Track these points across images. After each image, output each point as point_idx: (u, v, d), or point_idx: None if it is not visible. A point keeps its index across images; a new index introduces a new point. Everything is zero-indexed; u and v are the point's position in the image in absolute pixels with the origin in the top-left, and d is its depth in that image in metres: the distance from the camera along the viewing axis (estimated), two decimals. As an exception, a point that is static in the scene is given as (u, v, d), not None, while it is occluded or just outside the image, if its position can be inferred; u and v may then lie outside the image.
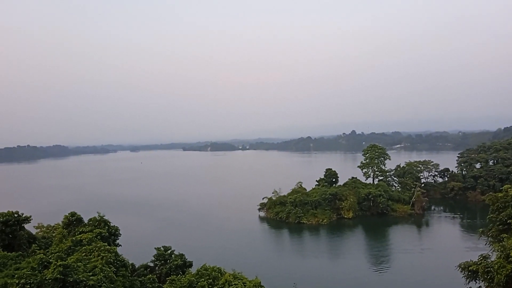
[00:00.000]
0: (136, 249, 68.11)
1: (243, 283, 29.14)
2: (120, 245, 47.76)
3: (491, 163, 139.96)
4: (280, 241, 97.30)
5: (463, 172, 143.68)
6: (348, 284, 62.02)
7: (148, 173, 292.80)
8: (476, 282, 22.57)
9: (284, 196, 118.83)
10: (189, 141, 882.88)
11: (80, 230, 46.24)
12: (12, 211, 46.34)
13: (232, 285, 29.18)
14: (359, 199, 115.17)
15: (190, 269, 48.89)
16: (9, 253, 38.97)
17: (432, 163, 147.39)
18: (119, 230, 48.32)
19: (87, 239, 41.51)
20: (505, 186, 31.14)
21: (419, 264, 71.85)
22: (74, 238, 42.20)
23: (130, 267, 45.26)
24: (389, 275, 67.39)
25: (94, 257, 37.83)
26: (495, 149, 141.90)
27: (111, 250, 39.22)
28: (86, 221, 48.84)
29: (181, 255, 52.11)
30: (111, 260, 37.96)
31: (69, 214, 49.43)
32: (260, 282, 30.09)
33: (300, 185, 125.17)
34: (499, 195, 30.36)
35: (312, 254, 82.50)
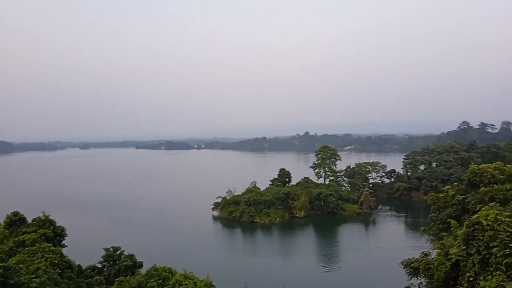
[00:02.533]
0: (84, 250, 65.70)
1: (194, 283, 28.98)
2: (66, 246, 46.01)
3: (434, 165, 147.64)
4: (232, 240, 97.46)
5: (408, 173, 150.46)
6: (299, 283, 63.13)
7: (99, 171, 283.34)
8: (417, 278, 23.70)
9: (238, 195, 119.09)
10: (143, 139, 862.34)
11: (23, 231, 44.07)
12: None
13: (182, 285, 28.95)
14: (310, 198, 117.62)
15: (140, 269, 47.85)
16: None
17: (380, 165, 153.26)
18: (65, 230, 46.53)
19: (30, 240, 39.71)
20: (445, 187, 32.94)
21: (367, 263, 74.40)
22: (16, 239, 40.24)
23: (77, 268, 43.72)
24: (339, 273, 69.31)
25: (38, 258, 36.22)
26: (438, 151, 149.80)
27: (56, 251, 37.73)
28: (30, 221, 46.58)
29: (131, 256, 50.87)
30: (56, 261, 36.53)
31: (11, 213, 46.99)
32: (211, 282, 30.05)
33: (254, 184, 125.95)
34: (440, 195, 32.07)
35: (264, 253, 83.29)
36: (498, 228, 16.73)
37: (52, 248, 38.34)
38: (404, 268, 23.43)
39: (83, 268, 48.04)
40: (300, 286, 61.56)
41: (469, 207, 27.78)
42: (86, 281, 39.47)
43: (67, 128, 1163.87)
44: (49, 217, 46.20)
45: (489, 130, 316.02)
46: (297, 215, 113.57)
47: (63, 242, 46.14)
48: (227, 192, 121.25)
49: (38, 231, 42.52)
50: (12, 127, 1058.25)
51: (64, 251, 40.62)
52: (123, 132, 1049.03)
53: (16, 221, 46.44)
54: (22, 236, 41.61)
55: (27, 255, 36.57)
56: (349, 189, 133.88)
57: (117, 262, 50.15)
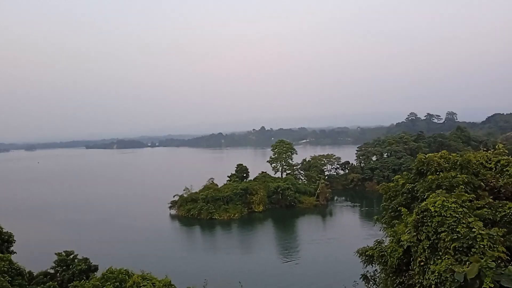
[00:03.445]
0: (34, 256, 62.87)
1: (152, 283, 28.39)
2: (15, 253, 43.67)
3: (385, 156, 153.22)
4: (191, 238, 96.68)
5: (362, 165, 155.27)
6: (259, 277, 63.69)
7: (47, 173, 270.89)
8: (372, 266, 24.44)
9: (196, 193, 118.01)
10: (93, 138, 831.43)
11: (-34, 239, 41.40)
12: None
13: (140, 286, 28.30)
14: (268, 192, 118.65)
15: (95, 273, 46.41)
16: None
17: (334, 157, 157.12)
18: (13, 236, 44.09)
19: (-26, 249, 37.34)
20: (395, 177, 34.04)
21: (325, 253, 76.31)
22: (-42, 249, 37.71)
23: (28, 275, 41.67)
24: (298, 265, 70.65)
25: (-16, 267, 34.17)
26: (388, 142, 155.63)
27: (4, 258, 35.76)
28: (-28, 229, 43.77)
29: (85, 259, 49.25)
30: (5, 269, 34.69)
31: (-49, 222, 43.92)
32: (170, 281, 29.57)
33: (212, 181, 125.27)
34: (391, 184, 33.15)
35: (224, 250, 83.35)
36: (445, 214, 17.51)
37: (0, 255, 36.32)
38: (359, 256, 24.09)
39: (35, 274, 46.02)
40: (259, 279, 62.11)
41: (417, 195, 28.86)
42: (38, 287, 37.76)
43: (10, 128, 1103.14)
44: (-5, 223, 43.65)
45: (435, 120, 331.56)
46: (256, 210, 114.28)
47: (12, 248, 43.78)
48: (184, 190, 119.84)
49: (-17, 238, 40.11)
50: None
51: (13, 257, 38.60)
52: (72, 132, 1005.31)
53: (-43, 229, 43.49)
54: (-35, 245, 39.10)
55: (-29, 264, 34.43)
56: (305, 182, 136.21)
57: (71, 266, 48.42)
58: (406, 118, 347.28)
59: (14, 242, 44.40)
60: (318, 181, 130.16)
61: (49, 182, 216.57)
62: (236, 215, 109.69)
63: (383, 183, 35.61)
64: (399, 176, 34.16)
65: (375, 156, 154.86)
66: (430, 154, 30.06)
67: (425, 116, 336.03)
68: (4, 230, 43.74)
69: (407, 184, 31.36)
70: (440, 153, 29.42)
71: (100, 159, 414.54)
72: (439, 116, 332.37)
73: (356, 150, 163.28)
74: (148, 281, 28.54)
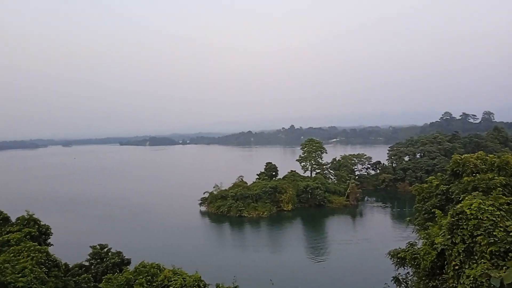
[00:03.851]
0: (70, 248, 65.03)
1: (183, 278, 28.88)
2: (52, 245, 45.28)
3: (418, 156, 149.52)
4: (221, 235, 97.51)
5: (393, 165, 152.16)
6: (288, 276, 63.60)
7: (83, 169, 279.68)
8: (404, 268, 24.04)
9: (226, 190, 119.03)
10: (127, 135, 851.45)
11: (7, 230, 43.21)
12: None
13: (171, 281, 28.84)
14: (297, 191, 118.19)
15: (128, 267, 47.58)
16: None
17: (365, 156, 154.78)
18: (50, 228, 45.74)
19: (15, 239, 38.97)
20: (429, 178, 33.39)
21: (355, 254, 75.38)
22: (0, 239, 39.48)
23: (64, 267, 43.18)
24: (327, 265, 70.01)
25: (24, 257, 35.62)
26: (421, 142, 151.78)
27: (41, 250, 37.14)
28: (13, 220, 45.73)
29: (119, 253, 50.55)
30: (42, 260, 35.96)
31: (-6, 213, 45.98)
32: (200, 277, 29.98)
33: (241, 179, 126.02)
34: (424, 186, 32.55)
35: (252, 247, 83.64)
36: (481, 217, 17.02)
37: (38, 247, 37.72)
38: (391, 258, 23.70)
39: (70, 266, 47.53)
40: (288, 279, 61.99)
41: (452, 196, 28.19)
42: (74, 279, 39.06)
43: (48, 125, 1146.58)
44: (33, 216, 45.40)
45: (471, 120, 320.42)
46: (285, 209, 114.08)
47: (49, 240, 45.38)
48: (214, 187, 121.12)
49: (23, 230, 41.75)
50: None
51: (50, 249, 40.04)
52: (106, 129, 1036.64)
53: (-1, 220, 45.52)
54: (7, 235, 40.81)
55: (12, 254, 35.95)
56: (335, 182, 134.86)
57: (105, 259, 49.77)
58: (441, 118, 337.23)
59: (51, 235, 46.07)
60: (348, 181, 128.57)
61: (84, 178, 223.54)
62: (265, 213, 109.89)
63: (416, 184, 34.97)
64: (433, 177, 33.48)
65: (407, 156, 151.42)
66: (466, 155, 29.31)
67: (460, 116, 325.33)
68: (42, 223, 45.49)
69: (442, 186, 30.70)
70: (476, 154, 28.60)
71: (133, 156, 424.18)
72: (475, 116, 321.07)
73: (388, 150, 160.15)
74: (178, 276, 29.05)
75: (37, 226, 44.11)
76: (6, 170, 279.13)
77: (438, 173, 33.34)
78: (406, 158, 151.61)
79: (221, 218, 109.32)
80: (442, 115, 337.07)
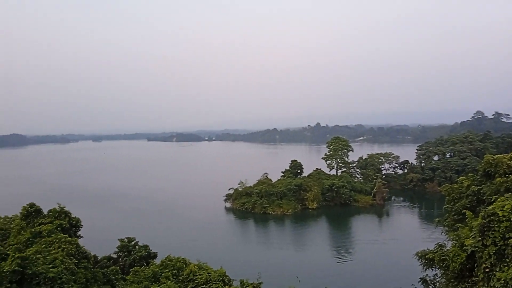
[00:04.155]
0: (99, 241, 66.70)
1: (208, 273, 29.22)
2: (82, 237, 46.60)
3: (448, 156, 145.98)
4: (245, 232, 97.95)
5: (422, 164, 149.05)
6: (313, 274, 63.28)
7: (112, 163, 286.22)
8: (432, 270, 23.54)
9: (250, 187, 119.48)
10: (154, 131, 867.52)
11: (39, 222, 44.71)
12: (-34, 202, 44.25)
13: (197, 275, 29.22)
14: (323, 190, 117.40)
15: (154, 260, 48.50)
16: (-38, 246, 37.25)
17: (392, 155, 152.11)
18: (80, 221, 47.07)
19: (46, 231, 40.25)
20: (460, 178, 32.51)
21: (381, 254, 74.25)
22: (33, 230, 40.84)
23: (93, 258, 44.37)
24: (353, 265, 69.27)
25: (54, 249, 36.77)
26: (452, 142, 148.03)
27: (72, 242, 38.24)
28: (45, 213, 47.26)
29: (146, 246, 51.56)
30: (72, 251, 37.03)
31: (27, 205, 47.59)
32: (225, 272, 30.26)
33: (266, 176, 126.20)
34: (455, 186, 31.70)
35: (277, 245, 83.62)
36: (514, 219, 16.50)
37: (68, 238, 38.84)
38: (418, 259, 23.23)
39: (99, 258, 48.80)
40: (313, 277, 61.69)
41: (484, 198, 27.46)
42: (102, 271, 40.02)
43: (79, 120, 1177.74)
44: (64, 208, 46.80)
45: (504, 119, 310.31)
46: (310, 207, 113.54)
47: (79, 233, 46.71)
48: (239, 184, 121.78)
49: (54, 222, 43.09)
50: (26, 120, 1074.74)
51: (80, 241, 41.16)
52: (135, 124, 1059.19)
53: (32, 212, 47.08)
54: (39, 227, 42.20)
55: (44, 245, 37.14)
56: (361, 180, 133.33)
57: (132, 252, 50.89)
58: (472, 117, 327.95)
59: (81, 227, 47.41)
60: (375, 180, 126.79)
61: (113, 172, 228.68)
62: (290, 210, 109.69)
63: (446, 184, 34.12)
64: (464, 177, 32.56)
65: (437, 156, 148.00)
66: (498, 155, 28.37)
67: (492, 115, 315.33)
68: (72, 216, 46.84)
69: (473, 186, 29.84)
70: (510, 154, 27.68)
71: (160, 151, 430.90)
72: (508, 115, 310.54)
73: (417, 149, 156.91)
74: (203, 271, 29.39)
75: (67, 219, 45.46)
76: (38, 165, 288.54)
77: (469, 174, 32.41)
78: (436, 158, 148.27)
79: (245, 215, 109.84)
80: (474, 114, 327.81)
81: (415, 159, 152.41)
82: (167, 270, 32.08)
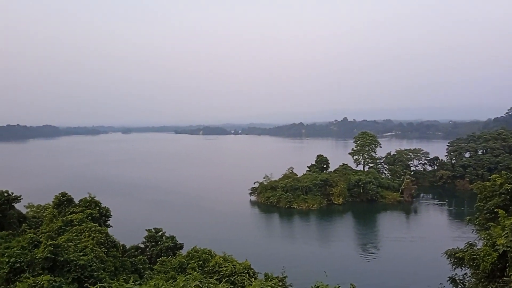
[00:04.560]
0: (127, 231, 68.21)
1: (233, 265, 29.44)
2: (111, 226, 47.76)
3: (480, 153, 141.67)
4: (270, 226, 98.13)
5: (452, 161, 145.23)
6: (337, 272, 62.77)
7: (140, 155, 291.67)
8: (462, 269, 23.01)
9: (275, 181, 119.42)
10: (181, 124, 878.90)
11: (71, 211, 46.10)
12: (2, 190, 46.01)
13: (222, 267, 29.50)
14: (349, 185, 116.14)
15: (180, 251, 49.18)
16: (-1, 232, 38.81)
17: (422, 152, 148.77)
18: (110, 211, 48.22)
19: (77, 220, 41.41)
20: (493, 176, 31.59)
21: (409, 252, 72.97)
22: (64, 218, 42.09)
23: (121, 248, 45.43)
24: (380, 263, 68.38)
25: (85, 237, 37.86)
26: (484, 139, 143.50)
27: (102, 231, 39.27)
28: (76, 202, 48.67)
29: (172, 237, 52.35)
30: (102, 240, 38.03)
31: (59, 194, 49.12)
32: (249, 265, 30.41)
33: (291, 170, 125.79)
34: (487, 184, 30.81)
35: (301, 240, 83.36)
36: (550, 219, 15.87)
37: (98, 227, 39.89)
38: (448, 258, 22.71)
39: (127, 247, 49.87)
40: (339, 274, 61.22)
41: (518, 196, 26.55)
42: (130, 260, 40.94)
43: (109, 113, 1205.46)
44: (95, 198, 48.05)
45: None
46: (335, 202, 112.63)
47: (108, 222, 47.87)
48: (264, 178, 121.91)
49: (85, 211, 44.30)
50: (58, 112, 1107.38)
51: (109, 231, 42.19)
52: (163, 117, 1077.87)
53: (64, 201, 48.57)
54: (70, 216, 43.44)
55: (75, 234, 38.27)
56: (389, 177, 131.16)
57: (159, 243, 51.79)
58: (506, 113, 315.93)
59: (111, 217, 48.58)
60: (403, 176, 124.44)
61: (141, 164, 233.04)
62: (315, 206, 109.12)
63: (478, 182, 33.19)
64: (497, 175, 31.53)
65: (468, 152, 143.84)
66: (535, 152, 27.35)
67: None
68: (102, 205, 48.06)
69: (506, 185, 28.89)
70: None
71: (187, 144, 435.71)
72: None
73: (447, 145, 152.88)
74: (229, 263, 29.61)
75: (97, 208, 46.70)
76: (69, 155, 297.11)
77: (502, 171, 31.37)
78: (467, 155, 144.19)
79: (270, 209, 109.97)
80: (508, 110, 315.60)
81: (446, 155, 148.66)
82: (193, 261, 32.47)
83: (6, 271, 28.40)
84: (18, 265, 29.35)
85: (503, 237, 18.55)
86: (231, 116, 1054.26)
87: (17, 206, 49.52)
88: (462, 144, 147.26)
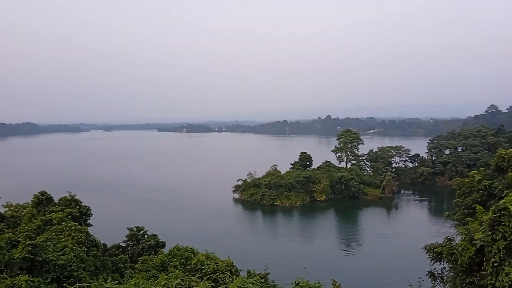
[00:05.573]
0: (108, 229, 67.25)
1: (215, 263, 29.30)
2: (92, 225, 47.05)
3: (460, 150, 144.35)
4: (253, 223, 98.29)
5: (433, 158, 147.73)
6: (320, 266, 63.29)
7: (122, 153, 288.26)
8: (440, 263, 23.36)
9: (259, 178, 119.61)
10: (164, 121, 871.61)
11: (50, 210, 45.27)
12: (-22, 189, 44.88)
13: (204, 265, 29.33)
14: (332, 182, 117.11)
15: (162, 249, 48.83)
16: (-25, 232, 37.86)
17: (403, 149, 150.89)
18: (90, 210, 47.51)
19: (57, 219, 40.70)
20: (471, 172, 32.16)
21: (389, 247, 74.08)
22: (44, 218, 41.32)
23: (102, 247, 44.81)
24: (361, 258, 69.23)
25: (65, 236, 37.20)
26: (464, 136, 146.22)
27: (82, 230, 38.63)
28: (56, 201, 47.83)
29: (154, 236, 51.99)
30: (82, 240, 37.42)
31: (38, 193, 48.18)
32: (232, 262, 30.31)
33: (275, 168, 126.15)
34: (466, 180, 31.36)
35: (284, 237, 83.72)
36: (526, 214, 16.24)
37: (78, 227, 39.23)
38: (427, 253, 23.06)
39: (108, 246, 49.29)
40: (320, 269, 61.63)
41: (495, 192, 27.13)
42: (111, 259, 40.44)
43: (90, 110, 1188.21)
44: (75, 197, 47.29)
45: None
46: (318, 199, 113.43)
47: (89, 221, 47.19)
48: (247, 175, 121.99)
49: (65, 210, 43.55)
50: (38, 109, 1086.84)
51: (90, 230, 41.55)
52: (145, 115, 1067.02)
53: (43, 200, 47.67)
54: (50, 215, 42.67)
55: (54, 233, 37.55)
56: (371, 173, 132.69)
57: (141, 241, 51.39)
58: (486, 111, 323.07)
59: (91, 216, 47.88)
60: (384, 173, 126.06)
61: (123, 162, 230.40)
62: (298, 202, 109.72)
63: (457, 178, 33.75)
64: (476, 171, 32.12)
65: (448, 149, 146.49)
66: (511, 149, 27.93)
67: (507, 109, 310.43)
68: (82, 204, 47.32)
69: (484, 181, 29.46)
70: (523, 148, 27.23)
71: (170, 142, 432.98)
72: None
73: (428, 142, 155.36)
74: (211, 261, 29.46)
75: (78, 207, 45.94)
76: (50, 153, 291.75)
77: (481, 168, 31.97)
78: (447, 152, 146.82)
79: (253, 206, 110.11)
80: (488, 108, 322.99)
81: (426, 152, 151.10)
82: (175, 259, 32.25)
83: (-18, 271, 27.71)
84: (-5, 265, 28.69)
85: (480, 232, 18.91)
86: (215, 114, 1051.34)
87: (-6, 205, 48.43)
88: (443, 141, 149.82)
